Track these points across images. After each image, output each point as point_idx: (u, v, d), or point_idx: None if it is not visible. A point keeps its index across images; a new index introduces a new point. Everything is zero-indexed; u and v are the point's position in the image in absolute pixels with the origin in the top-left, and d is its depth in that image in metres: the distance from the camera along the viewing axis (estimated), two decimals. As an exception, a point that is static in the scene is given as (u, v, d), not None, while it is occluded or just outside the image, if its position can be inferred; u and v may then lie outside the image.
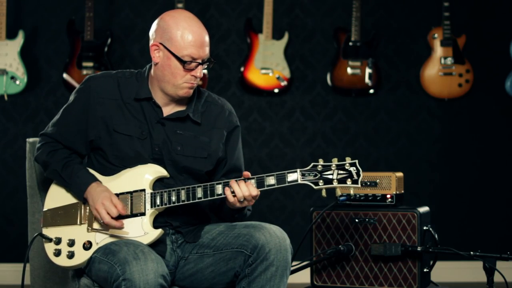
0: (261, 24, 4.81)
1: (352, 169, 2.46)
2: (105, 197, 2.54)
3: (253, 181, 2.49)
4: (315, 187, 2.47)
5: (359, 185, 2.45)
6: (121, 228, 2.54)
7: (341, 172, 2.46)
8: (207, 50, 2.57)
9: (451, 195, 4.93)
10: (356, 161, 2.47)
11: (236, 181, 2.49)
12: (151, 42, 2.60)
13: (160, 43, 2.56)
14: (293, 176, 2.48)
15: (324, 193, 2.48)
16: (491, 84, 4.91)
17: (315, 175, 2.47)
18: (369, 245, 3.03)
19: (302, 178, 2.48)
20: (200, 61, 2.56)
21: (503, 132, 4.95)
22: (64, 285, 2.87)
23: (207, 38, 2.58)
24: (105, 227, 2.57)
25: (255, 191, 2.48)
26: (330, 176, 2.46)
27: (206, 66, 2.60)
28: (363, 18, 4.81)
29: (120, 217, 2.55)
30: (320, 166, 2.47)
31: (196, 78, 2.57)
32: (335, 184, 2.46)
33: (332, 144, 4.89)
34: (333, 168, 2.47)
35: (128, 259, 2.38)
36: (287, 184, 2.48)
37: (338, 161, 2.47)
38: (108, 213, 2.52)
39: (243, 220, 2.67)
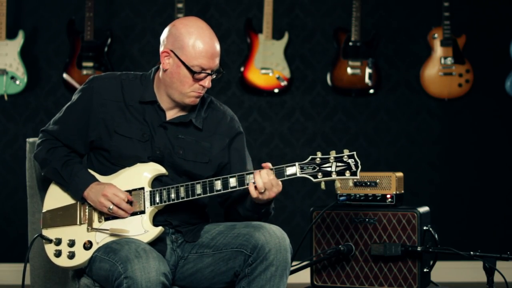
0: (261, 24, 4.81)
1: (351, 161, 2.46)
2: (109, 186, 2.56)
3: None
4: (314, 180, 2.47)
5: (358, 177, 2.45)
6: (130, 210, 2.54)
7: (340, 164, 2.46)
8: (217, 60, 2.57)
9: (451, 195, 4.93)
10: (354, 153, 2.46)
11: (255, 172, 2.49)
12: (161, 48, 2.59)
13: (171, 50, 2.56)
14: (292, 170, 2.49)
15: (323, 185, 2.47)
16: (491, 84, 4.91)
17: (314, 168, 2.47)
18: (369, 245, 3.03)
19: (301, 171, 2.48)
20: (209, 71, 2.55)
21: (503, 132, 4.95)
22: (64, 285, 2.88)
23: (218, 49, 2.57)
24: (107, 225, 2.57)
25: (272, 175, 2.47)
26: (329, 169, 2.46)
27: (215, 76, 2.59)
28: (363, 18, 4.81)
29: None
30: (318, 159, 2.47)
31: (204, 88, 2.57)
32: (334, 176, 2.46)
33: (332, 144, 4.89)
34: (331, 161, 2.47)
35: (129, 257, 2.38)
36: (286, 178, 2.49)
37: (336, 154, 2.47)
38: (117, 196, 2.54)
39: (268, 218, 2.66)
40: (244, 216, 2.66)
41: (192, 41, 2.52)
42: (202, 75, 2.54)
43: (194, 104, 2.61)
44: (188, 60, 2.52)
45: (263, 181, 2.47)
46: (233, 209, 2.71)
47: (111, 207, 2.54)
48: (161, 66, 2.60)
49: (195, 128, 2.65)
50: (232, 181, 2.52)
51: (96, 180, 2.61)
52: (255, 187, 2.48)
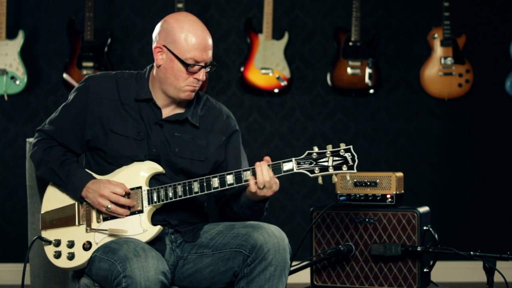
0: (261, 24, 4.81)
1: (347, 155, 2.46)
2: (104, 184, 2.55)
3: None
4: (311, 175, 2.47)
5: (355, 171, 2.44)
6: (131, 204, 2.54)
7: (336, 158, 2.46)
8: (210, 53, 2.58)
9: (451, 195, 4.93)
10: (351, 146, 2.46)
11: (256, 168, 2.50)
12: (154, 44, 2.60)
13: (164, 46, 2.57)
14: (289, 165, 2.49)
15: (320, 180, 2.47)
16: (491, 84, 4.91)
17: (311, 163, 2.47)
18: (369, 245, 3.03)
19: (298, 166, 2.48)
20: (203, 64, 2.56)
21: (503, 132, 4.94)
22: (64, 285, 2.88)
23: (210, 42, 2.59)
24: (105, 225, 2.57)
25: (272, 173, 2.48)
26: (326, 164, 2.46)
27: (209, 70, 2.60)
28: (363, 18, 4.81)
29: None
30: (315, 154, 2.47)
31: (198, 81, 2.58)
32: (330, 171, 2.45)
33: (333, 144, 4.87)
34: (328, 155, 2.46)
35: (128, 256, 2.39)
36: (283, 174, 2.49)
37: (333, 148, 2.47)
38: (115, 193, 2.53)
39: (260, 217, 2.66)
40: (237, 212, 2.67)
41: (184, 35, 2.54)
42: (196, 67, 2.55)
43: (190, 98, 2.62)
44: (181, 54, 2.53)
45: (265, 179, 2.48)
46: (228, 206, 2.71)
47: (109, 206, 2.54)
48: (155, 63, 2.61)
49: (191, 125, 2.65)
50: (229, 178, 2.52)
51: (93, 178, 2.61)
52: (256, 182, 2.48)
